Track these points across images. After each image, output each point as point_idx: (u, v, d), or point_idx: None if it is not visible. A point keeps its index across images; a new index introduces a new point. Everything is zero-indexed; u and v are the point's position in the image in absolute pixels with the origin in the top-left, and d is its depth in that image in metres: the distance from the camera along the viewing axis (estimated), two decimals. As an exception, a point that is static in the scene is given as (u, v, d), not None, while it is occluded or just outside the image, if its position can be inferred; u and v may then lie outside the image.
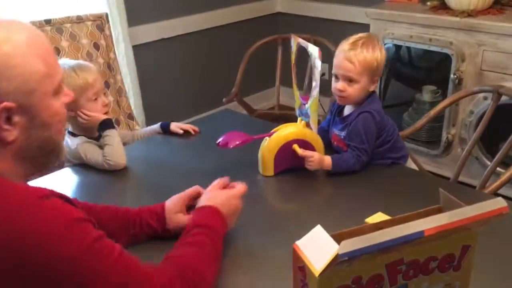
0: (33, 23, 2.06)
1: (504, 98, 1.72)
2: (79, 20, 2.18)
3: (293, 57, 1.51)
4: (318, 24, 3.38)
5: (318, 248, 0.72)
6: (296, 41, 1.46)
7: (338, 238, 0.69)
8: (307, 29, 3.08)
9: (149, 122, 2.83)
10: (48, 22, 2.11)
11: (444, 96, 2.64)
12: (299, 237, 0.75)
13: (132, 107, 2.50)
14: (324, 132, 1.58)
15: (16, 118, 0.72)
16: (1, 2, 2.27)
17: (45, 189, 0.75)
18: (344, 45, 1.44)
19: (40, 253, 0.68)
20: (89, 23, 2.21)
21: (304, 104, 1.45)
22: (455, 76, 2.42)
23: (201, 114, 3.14)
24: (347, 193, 1.39)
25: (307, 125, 1.46)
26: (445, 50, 2.43)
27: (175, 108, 3.21)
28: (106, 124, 1.58)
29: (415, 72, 2.95)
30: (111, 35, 2.29)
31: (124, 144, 1.64)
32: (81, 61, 1.67)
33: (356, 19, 3.12)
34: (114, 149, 1.52)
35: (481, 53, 2.33)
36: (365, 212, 1.25)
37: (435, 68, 2.87)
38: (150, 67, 3.00)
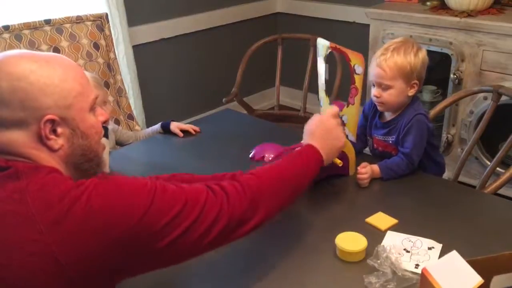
0: (33, 23, 2.07)
1: (504, 98, 1.72)
2: (79, 20, 2.18)
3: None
4: (318, 24, 3.39)
5: (452, 275, 0.69)
6: (326, 46, 1.33)
7: (471, 266, 0.67)
8: (307, 29, 3.08)
9: (149, 122, 2.84)
10: (48, 22, 2.11)
11: (444, 96, 2.64)
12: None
13: (132, 107, 2.50)
14: (361, 136, 1.57)
15: (60, 130, 0.87)
16: (1, 2, 2.27)
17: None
18: (377, 52, 1.44)
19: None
20: (89, 23, 2.21)
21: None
22: (455, 76, 2.42)
23: (201, 114, 3.14)
24: (347, 193, 1.39)
25: None
26: (445, 50, 2.44)
27: (175, 108, 3.21)
28: None
29: (415, 72, 2.95)
30: (111, 35, 2.29)
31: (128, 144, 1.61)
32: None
33: (356, 19, 3.12)
34: None
35: (480, 53, 2.33)
36: (365, 212, 1.26)
37: (435, 68, 2.87)
38: (150, 67, 3.00)
